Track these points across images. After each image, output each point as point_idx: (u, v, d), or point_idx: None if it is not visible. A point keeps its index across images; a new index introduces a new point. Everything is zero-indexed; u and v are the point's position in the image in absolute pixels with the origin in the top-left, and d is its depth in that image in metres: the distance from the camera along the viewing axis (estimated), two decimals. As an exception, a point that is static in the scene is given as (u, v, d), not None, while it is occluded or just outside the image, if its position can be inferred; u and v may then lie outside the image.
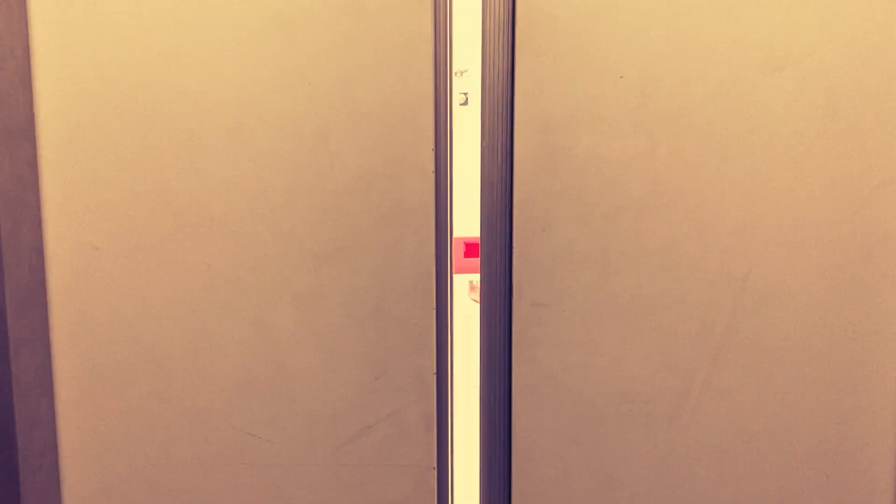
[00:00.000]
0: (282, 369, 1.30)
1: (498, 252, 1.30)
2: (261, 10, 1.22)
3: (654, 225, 1.24)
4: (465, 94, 2.86)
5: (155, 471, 1.33)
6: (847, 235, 1.23)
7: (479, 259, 1.41)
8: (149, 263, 1.28)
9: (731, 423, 1.28)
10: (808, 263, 1.23)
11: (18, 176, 1.22)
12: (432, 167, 1.25)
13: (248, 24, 1.23)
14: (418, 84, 1.23)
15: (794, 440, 1.28)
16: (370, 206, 1.26)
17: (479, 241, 1.32)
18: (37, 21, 1.22)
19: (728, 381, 1.27)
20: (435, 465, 1.32)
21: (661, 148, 1.22)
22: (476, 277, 2.87)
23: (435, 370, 1.30)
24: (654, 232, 1.24)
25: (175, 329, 1.30)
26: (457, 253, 2.85)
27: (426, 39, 1.22)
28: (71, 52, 1.23)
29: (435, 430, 1.31)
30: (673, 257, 1.25)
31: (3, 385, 1.22)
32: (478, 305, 1.33)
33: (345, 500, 1.33)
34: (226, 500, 1.33)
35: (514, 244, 1.26)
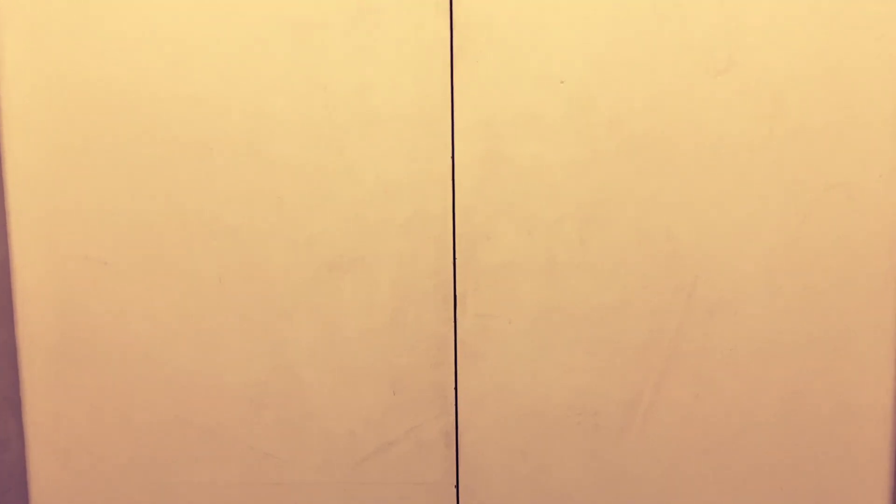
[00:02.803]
0: (298, 384, 1.26)
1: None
2: (275, 16, 1.19)
3: (598, 233, 1.21)
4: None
5: (164, 495, 1.29)
6: (796, 241, 1.20)
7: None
8: (157, 276, 1.24)
9: (683, 435, 1.25)
10: (757, 270, 1.21)
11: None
12: (450, 174, 1.21)
13: (262, 29, 1.19)
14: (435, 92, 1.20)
15: (746, 452, 1.25)
16: (390, 215, 1.22)
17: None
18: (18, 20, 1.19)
19: (678, 392, 1.24)
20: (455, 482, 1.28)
21: (604, 154, 1.20)
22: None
23: (455, 385, 1.26)
24: (599, 240, 1.21)
25: (186, 344, 1.26)
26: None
27: (442, 48, 1.19)
28: (71, 58, 1.20)
29: (455, 447, 1.27)
30: (619, 265, 1.22)
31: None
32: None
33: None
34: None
35: (457, 253, 1.23)
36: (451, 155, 1.21)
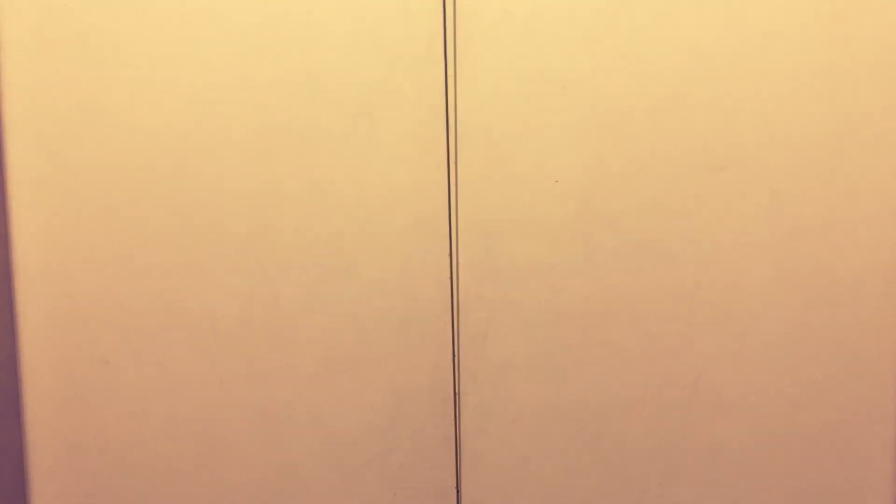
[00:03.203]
0: (297, 485, 1.26)
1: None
2: (274, 120, 1.21)
3: (597, 331, 1.20)
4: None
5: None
6: (796, 339, 1.19)
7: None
8: (157, 376, 1.25)
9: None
10: (759, 368, 1.19)
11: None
12: (448, 275, 1.22)
13: (260, 133, 1.21)
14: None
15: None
16: (388, 315, 1.22)
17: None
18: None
19: (684, 489, 1.22)
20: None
21: (600, 253, 1.19)
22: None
23: (456, 485, 1.25)
24: (598, 338, 1.21)
25: (186, 444, 1.26)
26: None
27: (439, 152, 1.21)
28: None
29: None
30: (619, 362, 1.21)
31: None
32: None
33: None
34: None
35: (456, 353, 1.23)
36: (448, 255, 1.22)
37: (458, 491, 1.25)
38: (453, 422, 1.24)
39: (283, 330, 1.24)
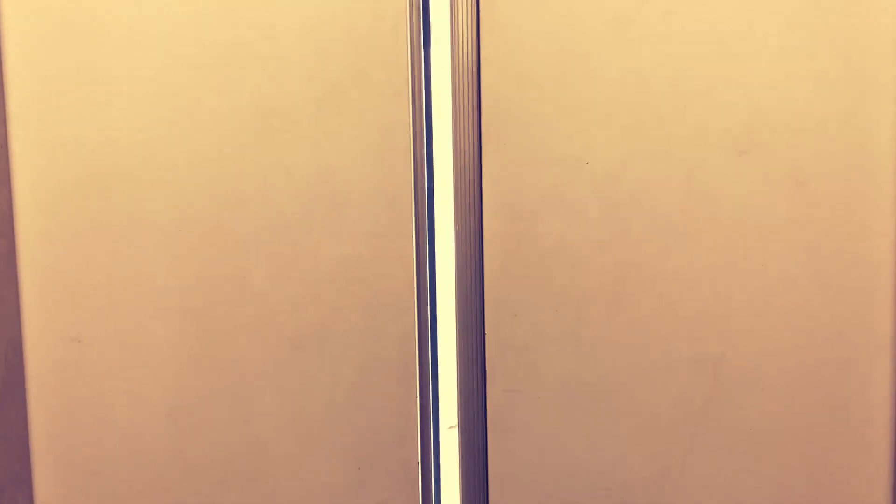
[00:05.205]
0: (265, 461, 1.29)
1: (472, 337, 1.30)
2: (241, 103, 1.24)
3: (624, 309, 1.23)
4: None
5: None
6: (819, 316, 1.22)
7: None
8: (129, 355, 1.28)
9: (712, 510, 1.25)
10: (782, 344, 1.22)
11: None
12: (412, 254, 1.25)
13: (227, 116, 1.24)
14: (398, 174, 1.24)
15: None
16: (353, 293, 1.25)
17: (456, 334, 1.31)
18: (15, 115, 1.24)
19: (707, 466, 1.25)
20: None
21: (629, 232, 1.22)
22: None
23: (420, 461, 1.28)
24: (626, 316, 1.23)
25: (159, 422, 1.29)
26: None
27: (405, 131, 1.24)
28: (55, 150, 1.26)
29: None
30: (645, 341, 1.24)
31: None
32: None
33: None
34: None
35: (487, 329, 1.25)
36: (411, 235, 1.24)
37: (485, 467, 1.28)
38: (415, 397, 1.27)
39: (250, 309, 1.27)
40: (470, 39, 1.23)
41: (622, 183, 1.21)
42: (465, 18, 1.24)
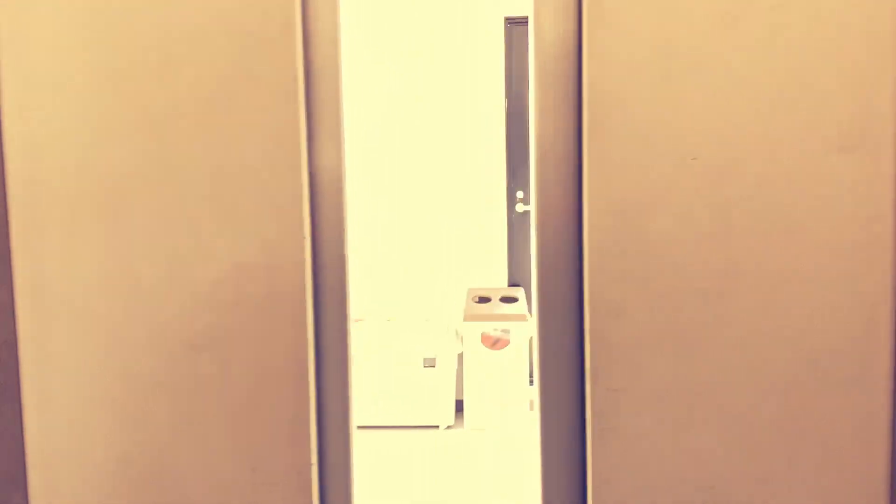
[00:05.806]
0: (160, 464, 1.27)
1: (565, 337, 1.27)
2: (135, 105, 1.23)
3: (729, 307, 1.21)
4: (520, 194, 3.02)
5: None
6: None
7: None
8: (23, 359, 1.26)
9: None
10: (890, 344, 1.21)
11: None
12: (304, 256, 1.24)
13: (120, 116, 1.23)
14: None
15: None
16: (245, 296, 1.24)
17: (537, 329, 1.29)
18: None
19: (810, 467, 1.23)
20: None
21: (736, 229, 1.20)
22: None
23: (314, 462, 1.27)
24: (730, 314, 1.22)
25: (53, 419, 1.27)
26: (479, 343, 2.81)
27: (293, 137, 1.23)
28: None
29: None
30: (750, 340, 1.22)
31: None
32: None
33: None
34: None
35: (589, 329, 1.22)
36: (306, 236, 1.24)
37: (584, 464, 1.24)
38: (308, 400, 1.25)
39: (143, 310, 1.25)
40: (569, 30, 1.23)
41: (728, 178, 1.20)
42: (562, 7, 1.23)
